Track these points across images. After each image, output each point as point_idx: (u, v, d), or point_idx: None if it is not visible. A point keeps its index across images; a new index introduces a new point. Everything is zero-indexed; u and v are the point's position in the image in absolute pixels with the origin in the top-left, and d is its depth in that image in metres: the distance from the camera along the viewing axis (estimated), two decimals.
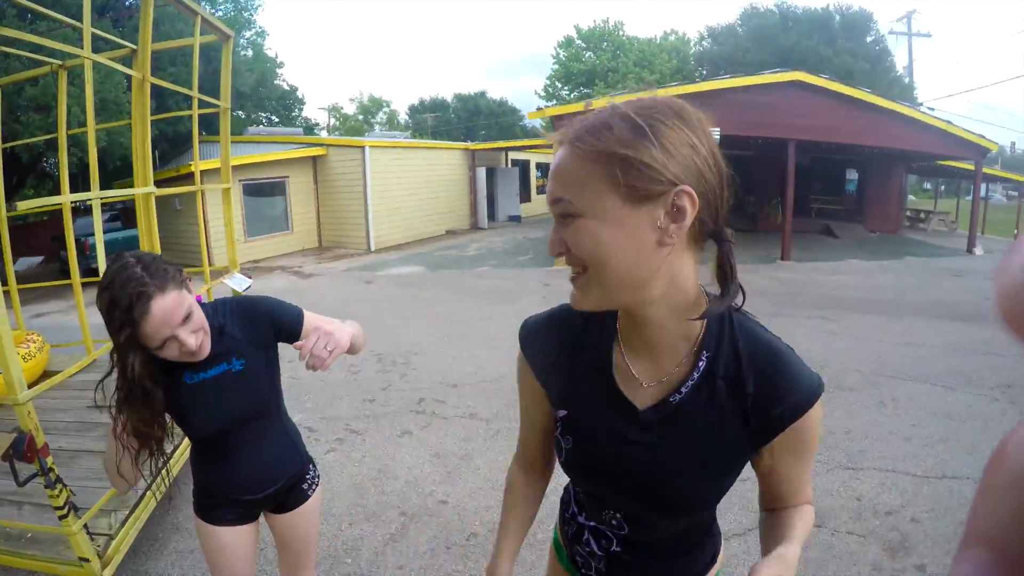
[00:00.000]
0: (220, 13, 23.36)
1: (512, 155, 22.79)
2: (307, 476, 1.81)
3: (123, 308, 1.27)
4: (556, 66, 39.34)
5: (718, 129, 10.37)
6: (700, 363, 0.87)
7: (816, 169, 16.36)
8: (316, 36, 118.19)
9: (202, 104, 3.98)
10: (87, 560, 2.26)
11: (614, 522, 1.03)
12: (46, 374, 4.50)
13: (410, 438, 4.19)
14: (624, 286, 0.80)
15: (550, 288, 9.48)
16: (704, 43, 32.38)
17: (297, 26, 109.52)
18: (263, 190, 15.32)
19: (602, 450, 0.95)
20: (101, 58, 2.79)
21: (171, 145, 17.68)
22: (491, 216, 20.68)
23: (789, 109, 10.52)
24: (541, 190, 25.35)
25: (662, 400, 0.89)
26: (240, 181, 14.05)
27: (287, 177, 15.70)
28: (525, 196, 23.70)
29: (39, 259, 17.87)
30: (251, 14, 26.03)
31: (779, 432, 0.86)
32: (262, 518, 1.79)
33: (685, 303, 0.84)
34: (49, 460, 2.10)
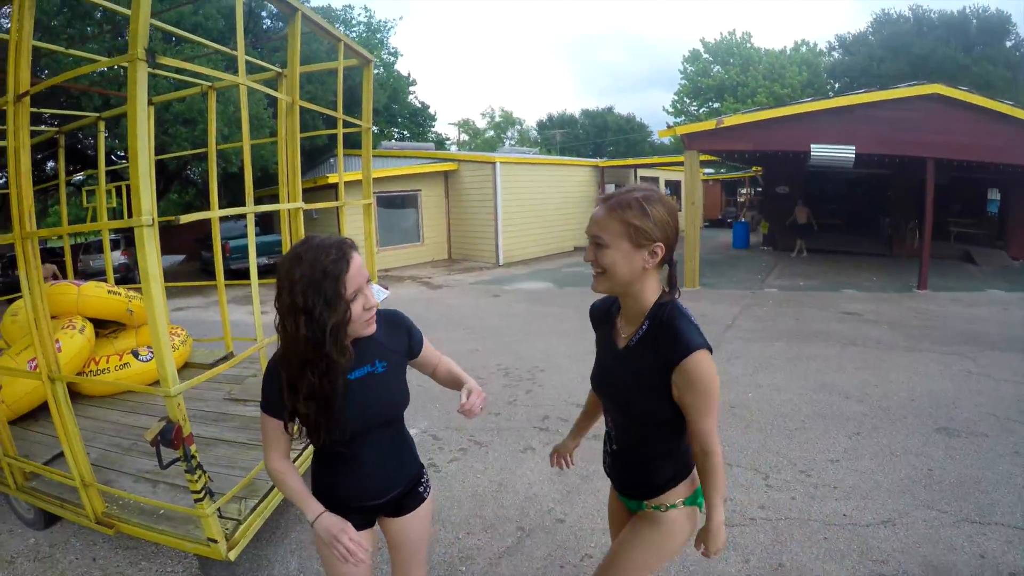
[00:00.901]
0: (353, 35, 25.05)
1: (641, 172, 22.62)
2: (423, 479, 1.87)
3: (333, 258, 1.44)
4: (684, 81, 38.81)
5: (853, 147, 9.77)
6: (643, 326, 1.57)
7: (955, 189, 14.86)
8: (448, 52, 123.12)
9: (345, 124, 4.28)
10: (215, 541, 2.47)
11: (609, 423, 1.78)
12: (187, 365, 5.00)
13: (532, 454, 4.23)
14: (621, 285, 1.55)
15: None
16: (835, 53, 30.63)
17: (430, 44, 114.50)
18: (396, 202, 16.20)
19: (600, 369, 1.73)
20: (254, 83, 3.08)
21: (307, 158, 19.18)
22: None
23: (926, 125, 9.69)
24: None
25: (625, 345, 1.61)
26: (374, 193, 14.90)
27: (419, 190, 16.49)
28: None
29: (181, 258, 19.90)
30: (384, 36, 27.72)
31: (674, 367, 1.46)
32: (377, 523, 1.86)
33: (646, 296, 1.57)
34: (193, 448, 2.33)
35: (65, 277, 6.04)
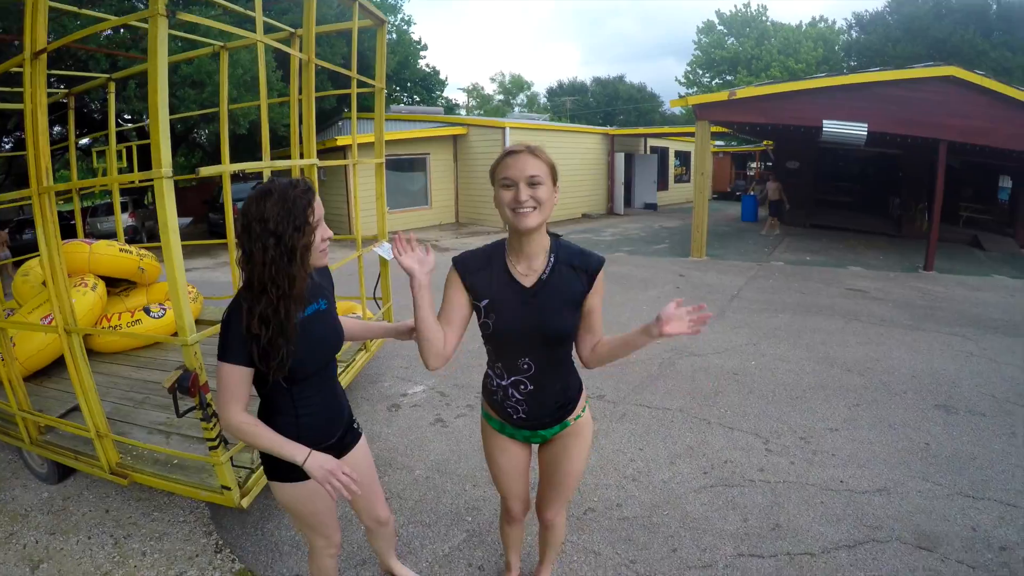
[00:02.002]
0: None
1: (651, 142, 22.42)
2: (354, 417, 2.06)
3: (301, 189, 1.60)
4: (697, 52, 38.11)
5: (865, 125, 9.65)
6: (551, 260, 1.74)
7: (967, 174, 14.71)
8: (459, 17, 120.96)
9: (359, 84, 4.27)
10: (228, 488, 2.55)
11: (525, 366, 1.80)
12: (199, 322, 5.07)
13: None
14: (545, 218, 1.67)
15: (685, 279, 9.23)
16: (852, 32, 30.03)
17: (442, 8, 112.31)
18: (404, 165, 16.10)
19: (513, 313, 1.73)
20: (271, 41, 3.07)
21: (317, 120, 18.97)
22: (627, 202, 20.52)
23: (940, 107, 9.53)
24: (680, 179, 24.60)
25: (537, 280, 1.73)
26: (385, 156, 14.81)
27: (428, 154, 16.41)
28: (663, 184, 23.14)
29: (188, 220, 19.90)
30: (397, 1, 27.27)
31: (595, 280, 1.75)
32: None
33: (544, 233, 1.74)
34: (208, 396, 2.39)
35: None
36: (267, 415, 1.75)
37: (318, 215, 1.64)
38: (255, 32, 3.10)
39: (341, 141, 13.93)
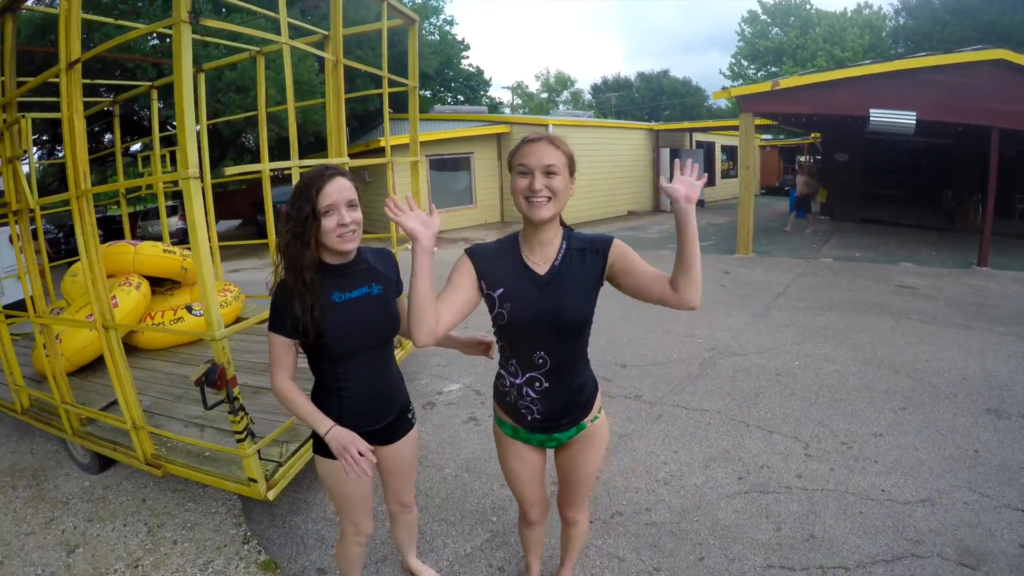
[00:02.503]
0: (407, 1, 24.93)
1: (697, 136, 21.93)
2: (411, 406, 2.08)
3: (315, 174, 1.72)
4: (741, 43, 37.23)
5: (914, 113, 9.23)
6: (562, 247, 1.74)
7: (1022, 163, 13.94)
8: (502, 14, 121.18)
9: (392, 84, 4.30)
10: (255, 480, 2.59)
11: (540, 361, 1.74)
12: (239, 320, 5.20)
13: None
14: (559, 209, 1.69)
15: (730, 276, 9.01)
16: (900, 18, 28.81)
17: (485, 6, 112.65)
18: (448, 165, 16.17)
19: (528, 301, 1.69)
20: (298, 43, 3.12)
21: (360, 123, 19.21)
22: None
23: (991, 92, 8.96)
24: (727, 174, 23.97)
25: (550, 267, 1.72)
26: (427, 156, 14.96)
27: (472, 153, 16.42)
28: (709, 179, 22.49)
29: (237, 222, 20.53)
30: (439, 2, 27.50)
31: (607, 254, 1.71)
32: None
33: (558, 223, 1.76)
34: (236, 390, 2.44)
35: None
36: (317, 391, 1.88)
37: (332, 199, 1.69)
38: (291, 37, 3.16)
39: (383, 142, 14.01)
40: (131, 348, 4.57)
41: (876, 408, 4.12)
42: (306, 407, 1.81)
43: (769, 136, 26.87)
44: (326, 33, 4.12)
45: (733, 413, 4.14)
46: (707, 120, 30.54)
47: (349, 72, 4.28)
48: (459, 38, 28.73)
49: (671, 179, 1.57)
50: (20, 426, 4.24)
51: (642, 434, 3.88)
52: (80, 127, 2.55)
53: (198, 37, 2.19)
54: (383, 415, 1.94)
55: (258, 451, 2.60)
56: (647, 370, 5.06)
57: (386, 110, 4.30)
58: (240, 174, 2.52)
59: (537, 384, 1.77)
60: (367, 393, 1.88)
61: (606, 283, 1.76)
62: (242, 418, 2.47)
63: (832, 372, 4.83)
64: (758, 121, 11.35)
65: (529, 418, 1.83)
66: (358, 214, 1.77)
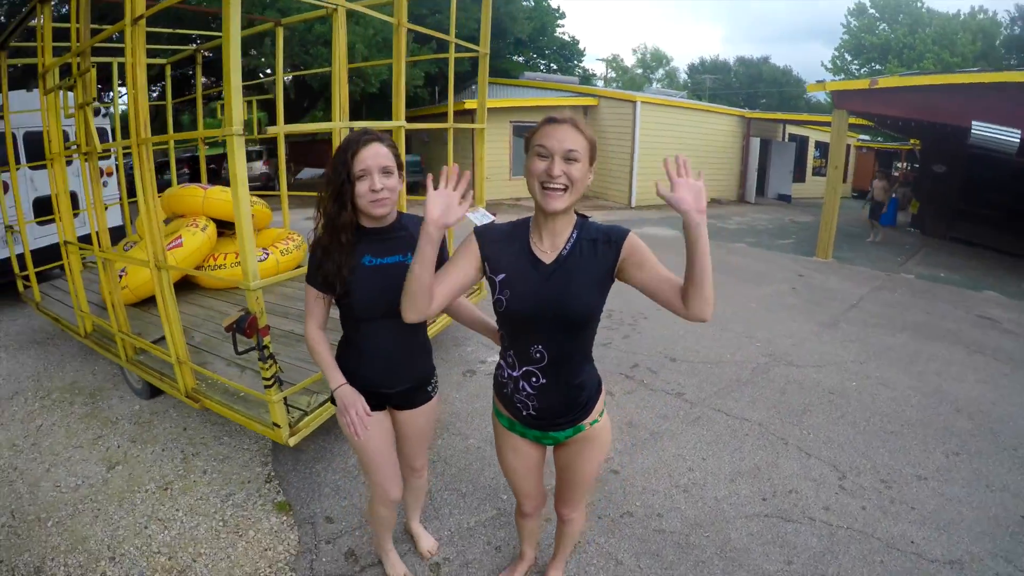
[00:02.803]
0: None
1: (790, 129, 20.98)
2: (432, 380, 2.12)
3: (353, 138, 1.76)
4: (846, 36, 35.09)
5: (1019, 132, 8.41)
6: (573, 236, 1.65)
7: None
8: None
9: (463, 49, 4.35)
10: (278, 426, 2.70)
11: (537, 355, 1.68)
12: (300, 267, 5.39)
13: (610, 399, 4.18)
14: (576, 199, 1.58)
15: (804, 279, 8.65)
16: (1016, 27, 26.28)
17: None
18: None
19: (529, 290, 1.62)
20: (357, 6, 3.13)
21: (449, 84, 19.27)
22: (759, 191, 19.44)
23: None
24: (818, 171, 22.75)
25: (557, 256, 1.63)
26: (511, 122, 14.96)
27: None
28: (799, 175, 21.55)
29: (321, 171, 21.15)
30: None
31: (621, 247, 1.61)
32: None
33: (573, 212, 1.66)
34: (266, 339, 2.54)
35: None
36: (342, 342, 1.99)
37: (366, 164, 1.73)
38: None
39: (469, 104, 13.98)
40: (194, 286, 4.83)
41: (927, 448, 3.85)
42: (326, 359, 1.90)
43: (867, 137, 25.21)
44: None
45: (774, 427, 3.97)
46: (805, 113, 28.94)
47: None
48: (554, 6, 28.22)
49: (671, 179, 1.48)
50: (86, 348, 4.57)
51: (674, 434, 3.79)
52: (142, 78, 2.65)
53: None
54: (397, 382, 1.98)
55: (285, 398, 2.70)
56: (696, 367, 4.92)
57: (451, 75, 4.29)
58: (290, 133, 2.58)
59: (534, 379, 1.71)
60: (384, 357, 1.93)
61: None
62: (271, 366, 2.57)
63: (889, 399, 4.54)
64: (854, 120, 10.63)
65: (524, 413, 1.79)
66: (392, 181, 1.78)
